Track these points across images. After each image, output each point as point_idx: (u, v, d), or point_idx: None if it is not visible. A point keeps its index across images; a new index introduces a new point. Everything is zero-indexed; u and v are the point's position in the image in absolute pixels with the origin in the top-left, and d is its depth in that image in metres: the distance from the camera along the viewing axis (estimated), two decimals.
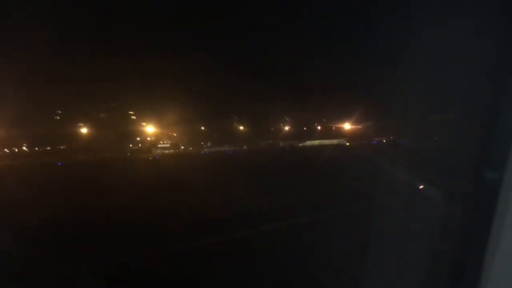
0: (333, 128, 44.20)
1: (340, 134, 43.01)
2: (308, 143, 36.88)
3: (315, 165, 17.23)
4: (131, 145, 29.06)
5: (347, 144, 41.02)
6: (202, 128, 31.62)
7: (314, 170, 15.44)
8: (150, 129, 28.56)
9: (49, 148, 25.42)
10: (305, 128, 42.88)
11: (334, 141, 41.14)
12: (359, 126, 42.70)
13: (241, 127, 33.48)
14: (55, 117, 24.25)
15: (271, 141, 36.05)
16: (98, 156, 23.41)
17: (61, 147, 24.77)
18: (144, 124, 28.02)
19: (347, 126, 42.35)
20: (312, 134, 40.74)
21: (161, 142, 30.90)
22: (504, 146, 1.69)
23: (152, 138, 30.71)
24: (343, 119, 42.44)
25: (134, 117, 27.04)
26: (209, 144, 31.35)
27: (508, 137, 1.70)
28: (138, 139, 29.80)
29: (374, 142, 39.29)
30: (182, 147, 31.44)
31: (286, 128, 37.43)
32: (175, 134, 32.68)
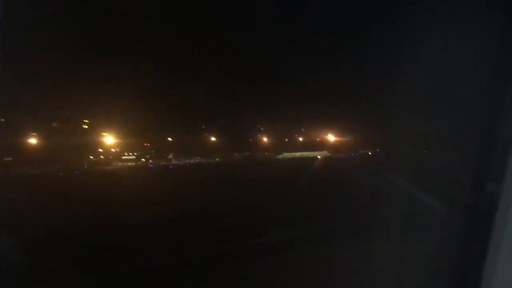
0: (318, 139, 42.42)
1: (324, 145, 41.13)
2: (286, 155, 34.93)
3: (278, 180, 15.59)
4: (91, 157, 27.08)
5: (330, 155, 39.30)
6: (170, 138, 29.67)
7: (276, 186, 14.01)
8: (111, 139, 26.61)
9: None
10: (286, 139, 41.12)
11: (317, 153, 39.32)
12: (345, 138, 40.88)
13: (215, 138, 31.54)
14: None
15: (248, 152, 34.11)
16: (44, 168, 21.52)
17: (7, 159, 22.96)
18: (105, 134, 26.11)
19: (331, 137, 40.52)
20: (294, 146, 38.88)
21: (126, 153, 28.89)
22: (503, 159, 1.75)
23: (117, 149, 28.73)
24: (328, 130, 40.66)
25: (87, 126, 25.14)
26: (171, 155, 29.31)
27: (506, 150, 1.75)
28: (101, 150, 27.83)
29: (353, 154, 37.38)
30: (149, 159, 29.46)
31: (265, 139, 35.58)
32: (148, 145, 30.85)
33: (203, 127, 29.91)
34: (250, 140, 37.49)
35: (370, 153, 39.99)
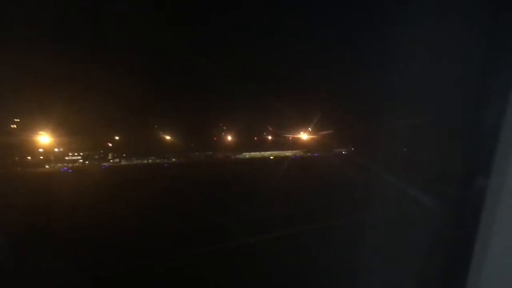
0: (290, 138, 40.36)
1: (296, 144, 39.10)
2: (246, 155, 32.90)
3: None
4: (29, 158, 24.88)
5: (303, 155, 37.30)
6: (118, 137, 27.51)
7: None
8: (48, 138, 24.37)
9: None
10: (256, 138, 39.06)
11: (287, 153, 37.29)
12: (320, 136, 38.85)
13: (171, 137, 29.40)
14: None
15: (210, 152, 32.03)
16: None
17: None
18: (41, 133, 23.89)
19: (304, 136, 38.45)
20: (263, 145, 36.84)
21: (70, 154, 26.70)
22: (491, 153, 1.81)
23: (61, 149, 26.54)
24: (302, 128, 38.61)
25: (15, 126, 22.88)
26: (110, 156, 27.13)
27: (495, 145, 1.80)
28: (41, 150, 25.62)
29: (316, 154, 35.41)
30: (98, 159, 27.27)
31: (230, 138, 33.52)
32: (109, 144, 28.72)
33: (155, 126, 27.81)
34: (215, 139, 35.51)
35: (344, 152, 38.10)
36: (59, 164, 25.07)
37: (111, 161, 26.68)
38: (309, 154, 36.83)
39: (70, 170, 23.61)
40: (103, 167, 24.93)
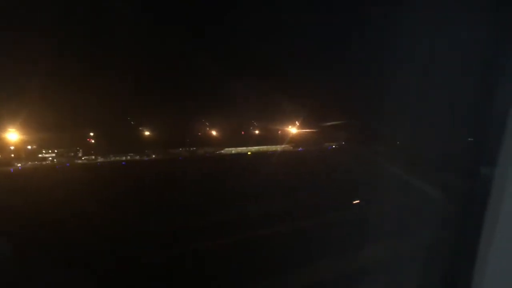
0: (279, 132, 39.03)
1: (285, 138, 37.76)
2: (232, 150, 31.67)
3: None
4: None
5: (290, 149, 36.01)
6: (96, 134, 26.32)
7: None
8: (16, 135, 23.17)
9: None
10: (243, 132, 37.76)
11: (274, 147, 36.01)
12: (310, 130, 37.49)
13: (152, 133, 28.19)
14: None
15: (194, 148, 30.81)
16: None
17: None
18: (11, 130, 22.71)
19: (293, 130, 37.07)
20: (249, 140, 35.57)
21: (44, 151, 25.57)
22: (496, 143, 1.81)
23: (34, 146, 25.41)
24: (291, 122, 37.23)
25: None
26: (80, 153, 25.96)
27: (499, 135, 1.80)
28: (12, 148, 24.48)
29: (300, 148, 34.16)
30: (74, 156, 26.14)
31: (215, 133, 32.26)
32: (92, 141, 27.56)
33: (132, 122, 26.57)
34: (199, 134, 34.27)
35: (334, 146, 36.84)
36: (29, 162, 23.96)
37: (83, 158, 25.53)
38: (298, 148, 35.61)
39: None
40: (67, 164, 23.77)
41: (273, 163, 21.32)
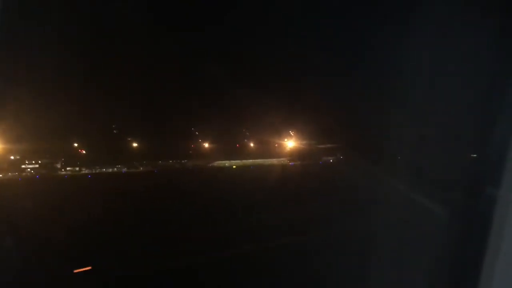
0: (276, 145, 37.81)
1: (283, 152, 36.45)
2: (226, 163, 30.46)
3: None
4: None
5: (289, 164, 34.66)
6: (80, 144, 25.46)
7: None
8: (3, 145, 22.33)
9: None
10: (238, 145, 36.62)
11: (271, 160, 34.70)
12: (307, 144, 36.20)
13: (141, 145, 27.23)
14: None
15: (185, 160, 29.70)
16: None
17: None
18: None
19: (291, 143, 35.82)
20: (245, 152, 34.36)
21: (27, 161, 24.69)
22: (501, 162, 1.79)
23: (17, 157, 24.57)
24: (290, 136, 36.06)
25: None
26: (59, 164, 24.98)
27: (504, 155, 1.78)
28: None
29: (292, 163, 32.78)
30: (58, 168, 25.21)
31: (208, 145, 31.17)
32: (82, 151, 26.74)
33: (114, 131, 25.66)
34: (193, 146, 33.25)
35: (331, 160, 35.44)
36: (9, 174, 23.05)
37: (67, 169, 24.58)
38: (295, 162, 34.30)
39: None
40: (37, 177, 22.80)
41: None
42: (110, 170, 26.02)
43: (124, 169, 25.90)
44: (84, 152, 26.99)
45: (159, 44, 28.70)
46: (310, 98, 31.95)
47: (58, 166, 25.37)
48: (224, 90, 32.07)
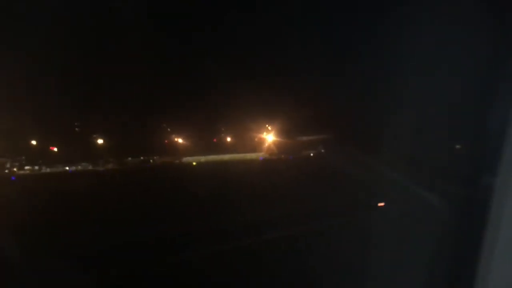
0: (256, 139, 36.79)
1: (262, 146, 35.48)
2: (202, 159, 29.45)
3: None
4: None
5: (265, 158, 33.79)
6: (39, 141, 24.13)
7: None
8: None
9: None
10: (215, 140, 35.53)
11: (249, 155, 33.78)
12: (287, 138, 35.26)
13: (107, 141, 25.96)
14: None
15: (156, 157, 28.59)
16: None
17: None
18: None
19: (270, 138, 34.82)
20: (222, 147, 33.31)
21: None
22: (498, 152, 1.78)
23: None
24: (268, 130, 35.03)
25: None
26: (8, 164, 23.68)
27: (501, 144, 1.78)
28: None
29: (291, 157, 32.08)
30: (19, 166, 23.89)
31: (181, 140, 30.03)
32: (54, 149, 25.40)
33: (76, 129, 24.34)
34: (166, 141, 32.06)
35: (312, 154, 34.63)
36: None
37: (25, 168, 23.30)
38: (275, 157, 33.41)
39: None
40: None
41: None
42: (74, 168, 24.80)
43: (73, 168, 24.72)
44: (55, 149, 25.73)
45: (126, 34, 27.18)
46: (290, 89, 30.85)
47: (16, 164, 24.05)
48: (200, 82, 30.84)
